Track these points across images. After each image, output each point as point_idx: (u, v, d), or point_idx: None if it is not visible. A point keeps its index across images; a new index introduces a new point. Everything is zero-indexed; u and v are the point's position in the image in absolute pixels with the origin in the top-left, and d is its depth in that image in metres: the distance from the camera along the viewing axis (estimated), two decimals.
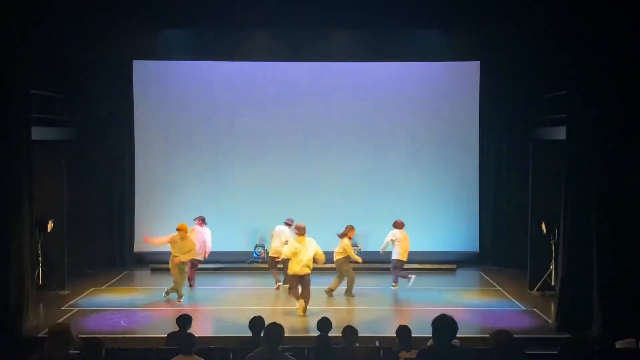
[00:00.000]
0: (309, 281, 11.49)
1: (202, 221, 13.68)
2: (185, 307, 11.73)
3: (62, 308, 11.89)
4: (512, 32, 14.39)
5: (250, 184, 15.64)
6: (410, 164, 15.75)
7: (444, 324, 5.32)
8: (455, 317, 5.43)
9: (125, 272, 14.89)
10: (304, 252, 11.42)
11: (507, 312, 11.88)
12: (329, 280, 12.93)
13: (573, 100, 10.60)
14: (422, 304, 12.32)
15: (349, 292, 12.78)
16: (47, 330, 6.43)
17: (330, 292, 12.74)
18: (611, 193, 9.95)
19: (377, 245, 14.68)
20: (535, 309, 11.88)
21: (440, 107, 15.73)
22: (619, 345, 8.05)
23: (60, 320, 10.39)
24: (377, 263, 14.98)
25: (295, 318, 11.26)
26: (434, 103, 15.73)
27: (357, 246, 15.18)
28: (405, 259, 13.36)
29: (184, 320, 8.11)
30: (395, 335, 7.58)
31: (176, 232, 12.56)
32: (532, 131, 14.54)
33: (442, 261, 15.27)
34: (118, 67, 15.38)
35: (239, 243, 15.51)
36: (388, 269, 13.69)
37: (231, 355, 7.53)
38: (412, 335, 7.50)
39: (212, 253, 13.96)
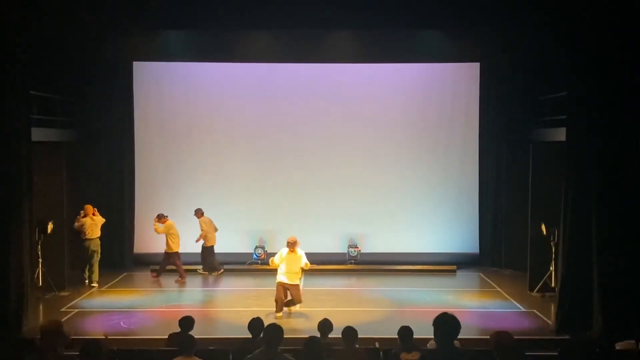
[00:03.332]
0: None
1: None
2: (185, 309, 11.71)
3: (61, 309, 11.89)
4: (512, 34, 14.36)
5: (250, 185, 15.64)
6: (410, 164, 15.73)
7: (445, 323, 5.29)
8: None
9: (125, 274, 14.87)
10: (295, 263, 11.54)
11: (507, 314, 11.88)
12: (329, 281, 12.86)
13: (573, 102, 10.60)
14: (421, 305, 12.31)
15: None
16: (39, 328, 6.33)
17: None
18: (611, 194, 9.96)
19: (376, 247, 14.67)
20: (535, 311, 11.88)
21: (440, 108, 15.72)
22: (619, 346, 8.04)
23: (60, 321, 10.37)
24: (377, 264, 15.00)
25: (294, 319, 11.26)
26: (434, 104, 15.71)
27: (356, 247, 15.20)
28: None
29: (187, 322, 8.10)
30: (395, 336, 7.57)
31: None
32: (531, 132, 14.54)
33: (442, 262, 15.25)
34: (118, 68, 15.38)
35: (239, 244, 15.51)
36: (388, 270, 13.70)
37: (231, 357, 7.52)
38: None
39: None
